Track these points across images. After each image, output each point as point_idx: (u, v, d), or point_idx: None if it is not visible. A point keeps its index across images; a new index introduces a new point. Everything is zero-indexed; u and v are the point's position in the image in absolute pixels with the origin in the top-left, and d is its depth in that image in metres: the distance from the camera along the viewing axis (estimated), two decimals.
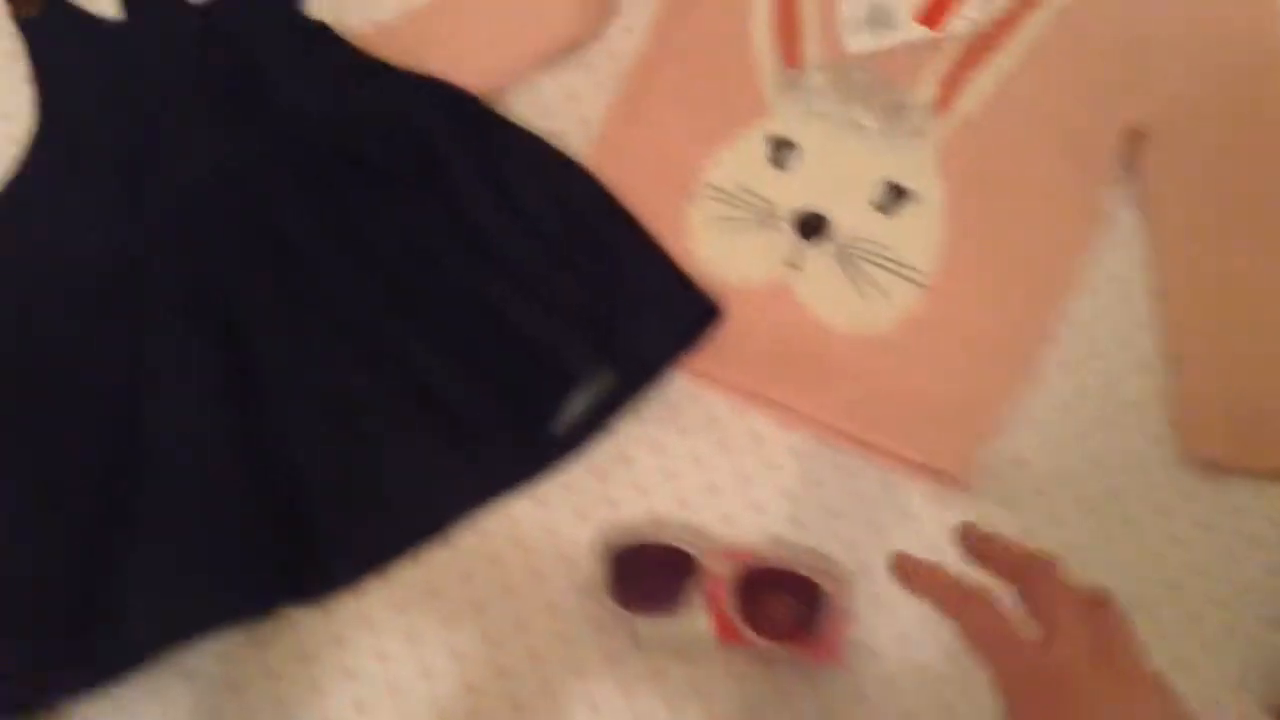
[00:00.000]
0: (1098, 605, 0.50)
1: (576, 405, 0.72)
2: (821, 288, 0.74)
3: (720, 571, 0.66)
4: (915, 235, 0.75)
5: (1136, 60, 0.75)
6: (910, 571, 0.54)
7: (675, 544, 0.66)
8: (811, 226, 0.75)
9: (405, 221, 0.74)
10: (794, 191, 0.76)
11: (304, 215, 0.74)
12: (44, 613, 0.65)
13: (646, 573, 0.67)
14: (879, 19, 0.78)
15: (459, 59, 0.80)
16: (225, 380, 0.70)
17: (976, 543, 0.55)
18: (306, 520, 0.69)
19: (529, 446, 0.71)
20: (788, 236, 0.75)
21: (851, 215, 0.75)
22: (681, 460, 0.73)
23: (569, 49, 0.82)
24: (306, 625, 0.70)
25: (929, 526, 0.71)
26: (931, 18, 0.78)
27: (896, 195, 0.75)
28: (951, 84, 0.77)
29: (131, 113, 0.78)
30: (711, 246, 0.76)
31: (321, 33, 0.79)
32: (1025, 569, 0.51)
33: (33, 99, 0.79)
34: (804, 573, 0.65)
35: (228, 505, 0.68)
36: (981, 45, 0.77)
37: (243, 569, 0.67)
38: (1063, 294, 0.74)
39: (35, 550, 0.66)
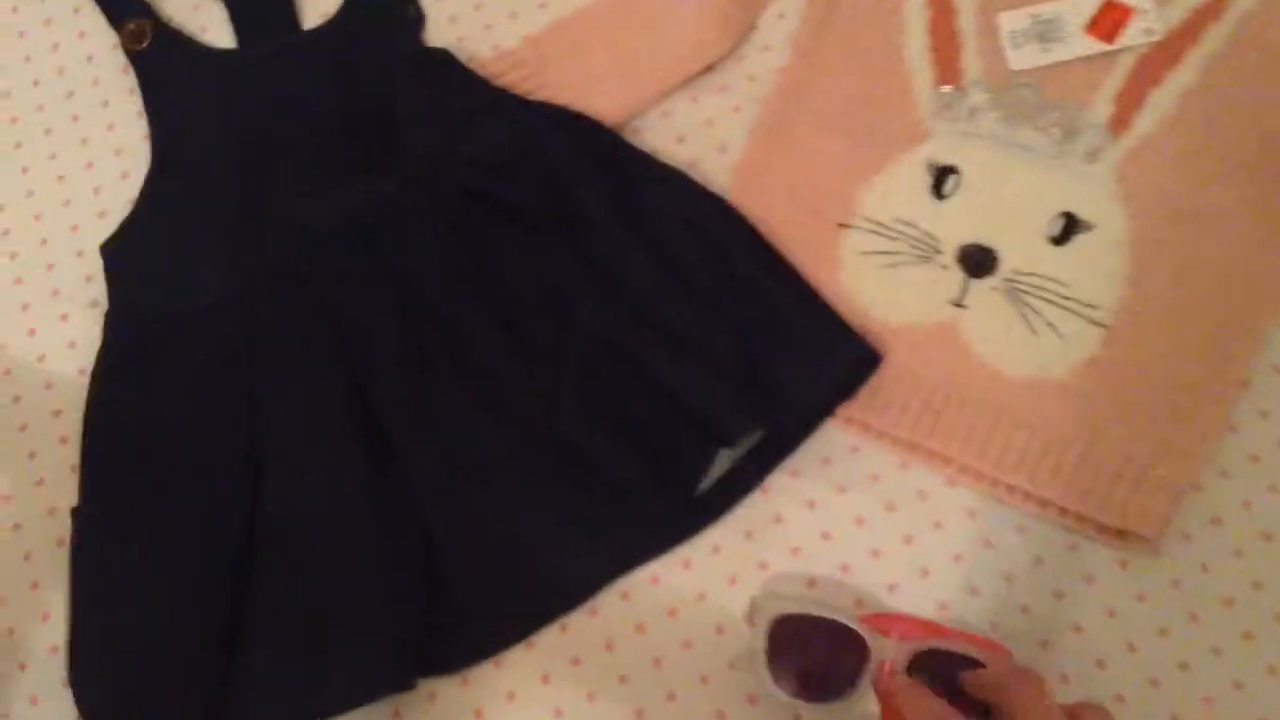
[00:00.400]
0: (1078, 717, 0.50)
1: (724, 461, 0.67)
2: (990, 328, 0.68)
3: (890, 655, 0.60)
4: (1094, 269, 0.68)
5: None
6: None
7: (841, 621, 0.61)
8: (979, 262, 0.69)
9: (538, 265, 0.69)
10: (957, 223, 0.70)
11: (431, 259, 0.70)
12: (169, 696, 0.62)
13: (809, 652, 0.61)
14: (1046, 32, 0.72)
15: (588, 86, 0.76)
16: (351, 436, 0.66)
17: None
18: (442, 586, 0.64)
19: (676, 509, 0.66)
20: (952, 273, 0.69)
21: (1022, 248, 0.69)
22: (839, 520, 0.67)
23: (704, 70, 0.76)
24: (445, 697, 0.66)
25: (1116, 594, 0.64)
26: (1104, 29, 0.71)
27: (1072, 225, 0.69)
28: (1128, 101, 0.70)
29: (248, 148, 0.74)
30: (866, 285, 0.70)
31: (445, 62, 0.74)
32: (1008, 684, 0.52)
33: (148, 134, 0.76)
34: (981, 656, 0.59)
35: (359, 570, 0.64)
36: (1159, 58, 0.70)
37: (378, 639, 0.62)
38: (1261, 333, 0.67)
39: (160, 624, 0.63)
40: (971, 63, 0.72)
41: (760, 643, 0.61)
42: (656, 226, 0.69)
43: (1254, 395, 0.67)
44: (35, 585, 0.70)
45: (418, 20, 0.78)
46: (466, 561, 0.65)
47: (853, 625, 0.60)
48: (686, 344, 0.66)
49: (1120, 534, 0.65)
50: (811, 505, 0.67)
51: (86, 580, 0.65)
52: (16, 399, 0.74)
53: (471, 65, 0.75)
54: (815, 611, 0.61)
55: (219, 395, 0.68)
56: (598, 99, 0.75)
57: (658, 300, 0.67)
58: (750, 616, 0.63)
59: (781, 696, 0.60)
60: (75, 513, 0.67)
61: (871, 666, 0.59)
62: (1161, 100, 0.70)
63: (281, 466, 0.65)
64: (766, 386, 0.65)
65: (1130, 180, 0.69)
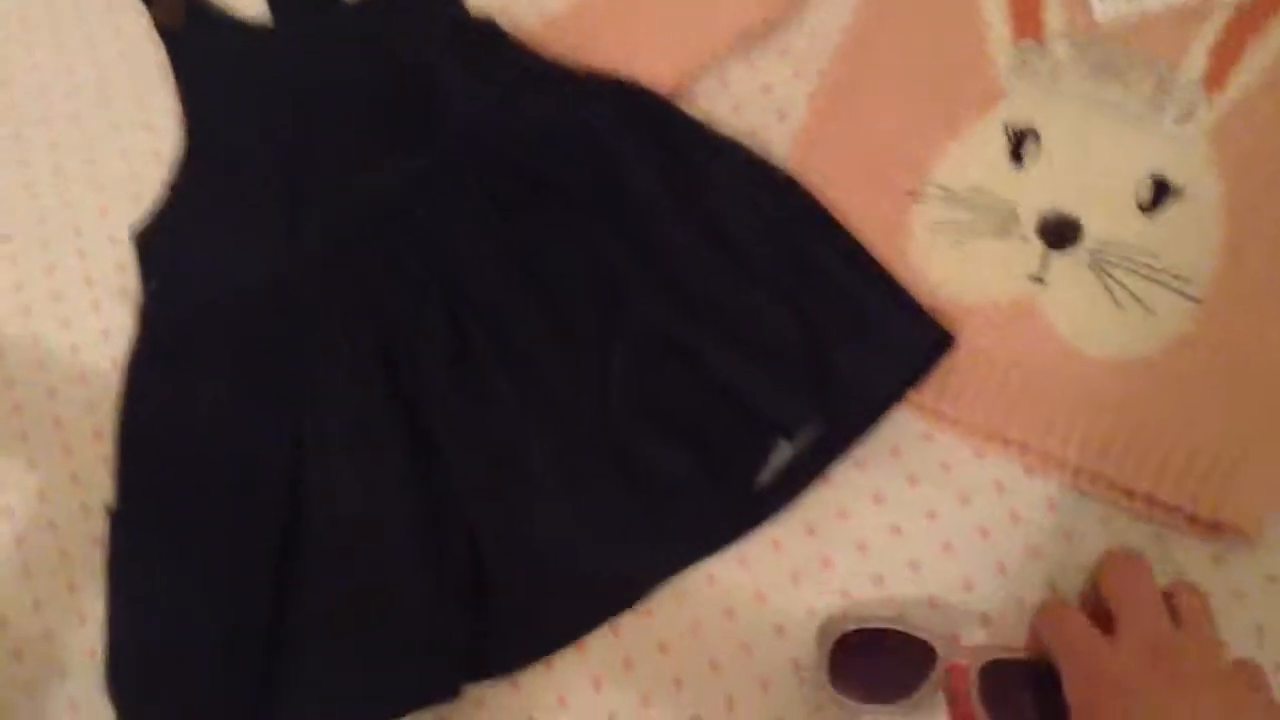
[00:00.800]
0: (1174, 596, 0.53)
1: (784, 452, 0.63)
2: (1072, 304, 0.63)
3: (963, 660, 0.56)
4: (1186, 239, 0.63)
5: None
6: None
7: (909, 631, 0.57)
8: (1061, 232, 0.64)
9: (586, 248, 0.65)
10: (1038, 190, 0.65)
11: (475, 240, 0.66)
12: (209, 703, 0.60)
13: (874, 657, 0.58)
14: None
15: (638, 49, 0.71)
16: (394, 430, 0.63)
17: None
18: (489, 587, 0.61)
19: (732, 505, 0.62)
20: (1031, 245, 0.64)
21: (1108, 217, 0.64)
22: (909, 513, 0.63)
23: (761, 31, 0.71)
24: (495, 702, 0.63)
25: (1209, 590, 0.59)
26: None
27: (1162, 190, 0.63)
28: (1224, 56, 0.65)
29: (285, 126, 0.71)
30: (939, 259, 0.65)
31: (489, 32, 0.70)
32: (1110, 561, 0.55)
33: (180, 113, 0.72)
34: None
35: (403, 572, 0.61)
36: (1258, 9, 0.65)
37: (424, 645, 0.60)
38: None
39: (199, 628, 0.61)
40: (1053, 14, 0.67)
41: (820, 642, 0.59)
42: (712, 202, 0.65)
43: None
44: (72, 587, 0.68)
45: None
46: (512, 560, 0.62)
47: (921, 635, 0.56)
48: (744, 327, 0.62)
49: (1213, 526, 0.60)
50: (879, 498, 0.63)
51: (123, 583, 0.63)
52: (51, 392, 0.72)
53: (516, 34, 0.71)
54: (882, 621, 0.57)
55: (257, 386, 0.66)
56: (648, 64, 0.70)
57: (713, 281, 0.63)
58: (813, 620, 0.59)
59: (843, 700, 0.57)
60: (111, 511, 0.64)
61: (939, 668, 0.56)
62: (1260, 55, 0.65)
63: (322, 461, 0.63)
64: (830, 371, 0.61)
65: (1226, 142, 0.63)
